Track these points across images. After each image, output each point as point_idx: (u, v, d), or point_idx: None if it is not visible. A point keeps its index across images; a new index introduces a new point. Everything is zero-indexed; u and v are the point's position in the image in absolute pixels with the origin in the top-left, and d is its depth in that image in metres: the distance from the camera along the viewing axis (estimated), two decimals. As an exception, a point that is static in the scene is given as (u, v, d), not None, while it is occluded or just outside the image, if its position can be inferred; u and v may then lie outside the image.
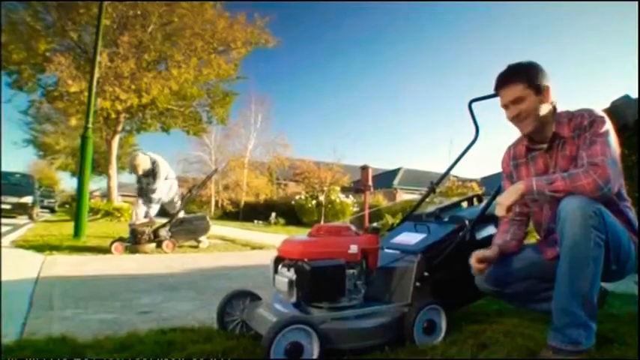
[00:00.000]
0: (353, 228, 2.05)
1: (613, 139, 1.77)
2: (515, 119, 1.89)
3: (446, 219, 2.37)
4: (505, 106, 1.91)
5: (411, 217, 2.59)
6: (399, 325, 1.88)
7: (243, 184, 26.65)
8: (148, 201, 6.08)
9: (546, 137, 1.92)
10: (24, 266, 4.17)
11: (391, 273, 2.09)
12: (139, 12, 13.08)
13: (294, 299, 1.79)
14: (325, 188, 17.83)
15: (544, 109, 1.87)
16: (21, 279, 3.49)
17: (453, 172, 2.88)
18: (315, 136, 62.50)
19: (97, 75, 8.02)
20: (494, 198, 2.35)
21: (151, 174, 6.07)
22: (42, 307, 2.61)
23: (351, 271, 1.92)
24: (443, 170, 2.73)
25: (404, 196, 27.47)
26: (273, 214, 17.39)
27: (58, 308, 2.60)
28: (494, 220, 2.34)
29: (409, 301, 1.97)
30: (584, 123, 1.81)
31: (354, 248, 1.91)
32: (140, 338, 1.90)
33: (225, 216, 23.63)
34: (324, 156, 34.09)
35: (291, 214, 17.28)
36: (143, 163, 6.02)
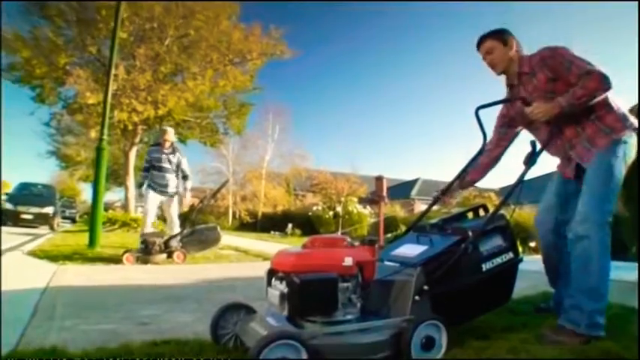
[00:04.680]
0: (348, 239, 1.99)
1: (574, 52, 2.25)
2: (490, 66, 2.52)
3: (449, 230, 2.29)
4: (484, 60, 2.54)
5: (415, 228, 2.52)
6: (396, 340, 1.81)
7: (260, 195, 26.67)
8: (183, 178, 6.33)
9: (514, 76, 2.51)
10: (35, 276, 4.20)
11: (389, 286, 2.02)
12: (155, 25, 13.29)
13: (285, 313, 1.74)
14: (342, 199, 17.71)
15: (510, 55, 2.46)
16: (29, 288, 3.50)
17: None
18: (332, 146, 62.32)
19: (113, 87, 8.14)
20: (498, 209, 2.27)
21: (175, 152, 6.34)
22: (44, 317, 2.61)
23: (346, 284, 1.86)
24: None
25: (422, 207, 27.22)
26: (290, 225, 17.36)
27: (59, 318, 2.59)
28: (499, 231, 2.26)
29: (408, 315, 1.90)
30: (544, 55, 2.32)
31: (348, 261, 1.85)
32: (131, 350, 1.88)
33: (243, 227, 23.66)
34: (341, 166, 34.08)
35: (308, 225, 17.18)
36: (172, 137, 6.35)
